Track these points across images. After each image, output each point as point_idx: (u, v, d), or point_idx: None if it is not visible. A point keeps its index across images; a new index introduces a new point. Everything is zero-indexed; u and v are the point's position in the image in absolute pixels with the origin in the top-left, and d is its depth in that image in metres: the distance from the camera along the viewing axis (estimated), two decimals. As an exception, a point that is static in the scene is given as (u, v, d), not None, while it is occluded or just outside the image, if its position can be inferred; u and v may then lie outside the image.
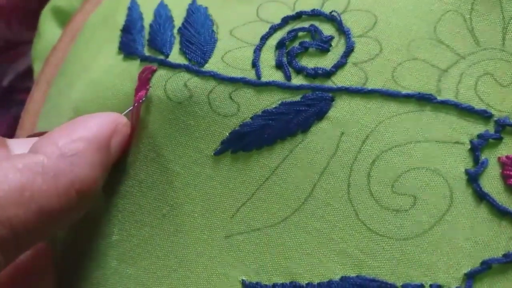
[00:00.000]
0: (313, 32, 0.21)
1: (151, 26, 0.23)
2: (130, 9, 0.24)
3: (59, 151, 0.18)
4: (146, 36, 0.23)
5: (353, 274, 0.18)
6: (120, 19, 0.24)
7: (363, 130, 0.19)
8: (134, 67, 0.22)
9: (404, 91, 0.19)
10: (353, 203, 0.19)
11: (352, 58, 0.20)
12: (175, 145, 0.21)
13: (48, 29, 0.28)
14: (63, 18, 0.28)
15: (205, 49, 0.21)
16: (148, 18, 0.24)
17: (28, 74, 0.35)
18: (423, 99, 0.19)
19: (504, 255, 0.17)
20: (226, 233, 0.19)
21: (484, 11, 0.20)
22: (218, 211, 0.20)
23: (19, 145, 0.20)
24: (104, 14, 0.26)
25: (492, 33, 0.20)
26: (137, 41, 0.23)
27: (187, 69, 0.21)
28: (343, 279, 0.18)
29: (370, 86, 0.20)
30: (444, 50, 0.20)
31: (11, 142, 0.20)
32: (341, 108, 0.20)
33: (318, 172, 0.19)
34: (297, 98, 0.20)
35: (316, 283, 0.18)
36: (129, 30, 0.24)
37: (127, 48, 0.23)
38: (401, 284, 0.18)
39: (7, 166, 0.17)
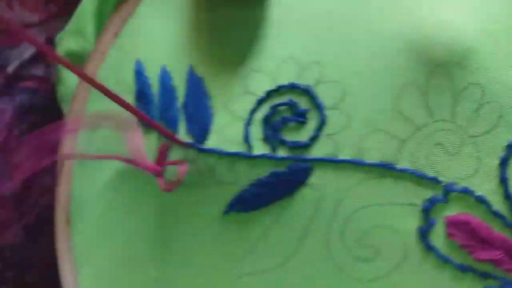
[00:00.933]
0: (292, 106, 0.25)
1: (159, 96, 0.27)
2: (138, 73, 0.28)
3: None
4: (158, 108, 0.27)
5: None
6: (129, 80, 0.28)
7: (337, 195, 0.24)
8: (152, 142, 0.27)
9: (368, 161, 0.24)
10: (332, 255, 0.24)
11: (325, 130, 0.24)
12: (189, 207, 0.26)
13: (67, 74, 0.32)
14: (78, 62, 0.31)
15: (206, 127, 0.26)
16: (155, 86, 0.27)
17: (33, 61, 0.36)
18: (385, 168, 0.24)
19: None
20: (238, 273, 0.26)
21: (437, 85, 0.23)
22: (230, 257, 0.26)
23: None
24: (112, 70, 0.29)
25: (443, 105, 0.23)
26: (152, 114, 0.27)
27: (193, 146, 0.25)
28: None
29: (341, 156, 0.24)
30: (403, 122, 0.23)
31: None
32: (318, 176, 0.24)
33: (303, 229, 0.24)
34: (283, 168, 0.25)
35: None
36: (142, 100, 0.27)
37: (144, 122, 0.27)
38: None
39: None
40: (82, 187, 0.30)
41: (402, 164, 0.23)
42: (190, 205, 0.26)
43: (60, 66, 0.32)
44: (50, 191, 0.31)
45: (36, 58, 0.36)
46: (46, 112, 0.35)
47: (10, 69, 0.36)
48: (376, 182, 0.24)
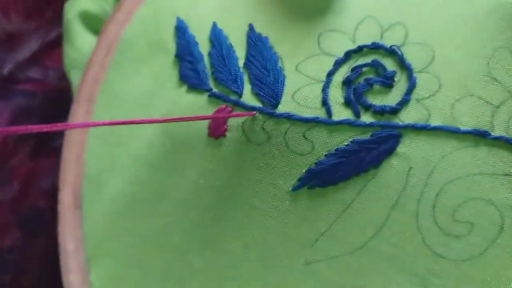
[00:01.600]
0: (377, 67, 0.22)
1: (210, 55, 0.23)
2: (179, 29, 0.24)
3: None
4: (208, 66, 0.23)
5: None
6: (167, 39, 0.24)
7: (429, 165, 0.22)
8: (202, 102, 0.23)
9: (462, 128, 0.22)
10: (421, 231, 0.22)
11: (414, 95, 0.22)
12: (254, 182, 0.22)
13: (79, 36, 0.27)
14: (94, 23, 0.27)
15: (276, 89, 0.22)
16: (203, 44, 0.24)
17: (29, 64, 0.34)
18: (479, 135, 0.22)
19: None
20: (306, 260, 0.22)
21: None
22: (297, 241, 0.22)
23: None
24: (143, 30, 0.25)
25: None
26: (201, 73, 0.23)
27: (261, 111, 0.22)
28: None
29: (432, 123, 0.22)
30: (496, 87, 0.22)
31: None
32: (408, 144, 0.22)
33: (390, 205, 0.22)
34: (367, 135, 0.22)
35: None
36: (186, 57, 0.23)
37: (191, 80, 0.23)
38: None
39: None
40: (100, 163, 0.24)
41: (497, 132, 0.22)
42: (254, 181, 0.22)
43: (69, 25, 0.27)
44: (48, 193, 0.31)
45: (32, 61, 0.34)
46: (43, 114, 0.34)
47: (6, 71, 0.34)
48: (470, 151, 0.22)
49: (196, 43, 0.24)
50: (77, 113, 0.26)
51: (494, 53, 0.22)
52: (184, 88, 0.24)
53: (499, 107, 0.22)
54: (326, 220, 0.22)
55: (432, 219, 0.22)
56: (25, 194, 0.31)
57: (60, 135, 0.33)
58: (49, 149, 0.33)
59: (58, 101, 0.33)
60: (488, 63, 0.22)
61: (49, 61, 0.34)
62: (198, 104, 0.23)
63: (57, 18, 0.32)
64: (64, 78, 0.33)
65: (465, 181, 0.22)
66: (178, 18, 0.24)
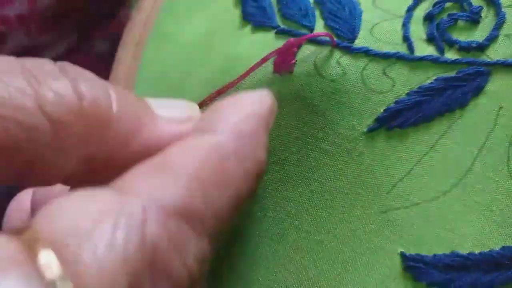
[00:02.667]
0: (461, 2, 0.21)
1: None
2: None
3: (235, 129, 0.16)
4: (275, 3, 0.22)
5: None
6: None
7: None
8: (268, 39, 0.21)
9: None
10: None
11: (504, 30, 0.20)
12: (325, 122, 0.20)
13: None
14: None
15: (353, 23, 0.21)
16: None
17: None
18: None
19: None
20: (381, 208, 0.20)
21: None
22: (371, 187, 0.20)
23: (158, 104, 0.18)
24: None
25: None
26: (267, 9, 0.22)
27: (337, 45, 0.20)
28: (505, 248, 0.19)
29: None
30: None
31: (150, 102, 0.18)
32: (498, 82, 0.20)
33: (478, 146, 0.20)
34: (453, 73, 0.20)
35: (477, 253, 0.20)
36: None
37: (256, 18, 0.22)
38: None
39: (199, 152, 0.16)
40: None
41: None
42: (325, 119, 0.20)
43: None
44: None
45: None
46: None
47: None
48: None
49: None
50: (123, 59, 0.25)
51: None
52: (248, 27, 0.22)
53: None
54: (406, 164, 0.20)
55: None
56: None
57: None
58: None
59: None
60: None
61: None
62: (264, 43, 0.22)
63: (72, 30, 0.33)
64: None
65: None
66: None
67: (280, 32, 0.22)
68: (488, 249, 0.20)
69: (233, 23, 0.23)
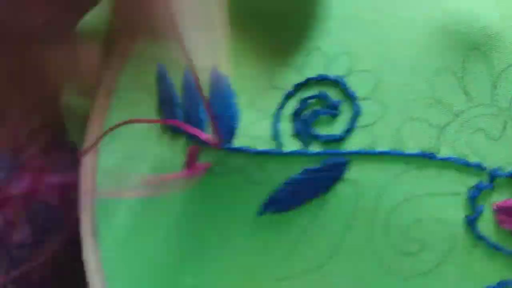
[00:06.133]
0: (323, 98, 0.24)
1: (184, 99, 0.26)
2: (160, 75, 0.26)
3: None
4: (184, 111, 0.26)
5: None
6: (152, 84, 0.27)
7: (377, 189, 0.23)
8: (181, 146, 0.25)
9: (408, 151, 0.23)
10: (377, 251, 0.23)
11: (359, 122, 0.23)
12: (221, 211, 0.24)
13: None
14: None
15: (232, 124, 0.24)
16: (179, 89, 0.26)
17: None
18: (426, 157, 0.23)
19: (498, 283, 0.22)
20: (277, 276, 0.24)
21: (473, 68, 0.23)
22: (267, 259, 0.24)
23: None
24: (134, 76, 0.28)
25: (482, 89, 0.22)
26: (179, 118, 0.25)
27: (221, 146, 0.24)
28: None
29: (378, 148, 0.23)
30: (441, 109, 0.23)
31: None
32: (356, 170, 0.23)
33: (343, 227, 0.23)
34: (317, 164, 0.23)
35: None
36: (168, 103, 0.26)
37: (173, 126, 0.26)
38: None
39: None
40: (108, 192, 0.28)
41: (444, 153, 0.22)
42: (222, 209, 0.24)
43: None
44: (58, 190, 0.31)
45: None
46: (56, 108, 0.33)
47: None
48: (417, 172, 0.23)
49: (174, 90, 0.26)
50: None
51: (437, 75, 0.23)
52: (168, 133, 0.26)
53: (444, 128, 0.23)
54: (288, 242, 0.24)
55: (386, 239, 0.23)
56: (36, 189, 0.31)
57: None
58: (63, 143, 0.33)
59: None
60: (432, 85, 0.23)
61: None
62: (178, 147, 0.25)
63: (67, 10, 0.32)
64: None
65: (415, 202, 0.23)
66: (159, 64, 0.27)
67: (188, 139, 0.25)
68: None
69: (158, 129, 0.26)
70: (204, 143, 0.25)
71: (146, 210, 0.27)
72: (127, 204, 0.27)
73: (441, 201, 0.22)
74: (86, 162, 0.29)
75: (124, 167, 0.27)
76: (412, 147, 0.23)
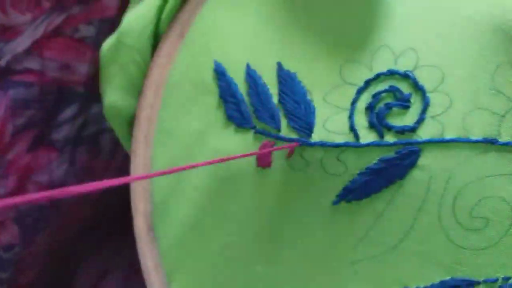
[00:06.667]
0: (394, 92, 0.25)
1: (249, 95, 0.26)
2: (218, 72, 0.27)
3: None
4: (249, 106, 0.26)
5: (448, 278, 0.26)
6: (209, 80, 0.27)
7: (446, 173, 0.25)
8: (249, 140, 0.26)
9: (473, 138, 0.25)
10: (444, 229, 0.25)
11: (429, 113, 0.25)
12: (300, 202, 0.26)
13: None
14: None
15: (309, 120, 0.25)
16: (241, 84, 0.26)
17: (26, 54, 0.34)
18: (489, 142, 0.25)
19: None
20: (351, 260, 0.26)
21: None
22: (341, 246, 0.26)
23: None
24: (185, 72, 0.28)
25: None
26: (244, 113, 0.26)
27: (299, 142, 0.25)
28: (442, 282, 0.26)
29: (447, 136, 0.25)
30: (501, 99, 0.25)
31: None
32: (427, 157, 0.25)
33: (416, 210, 0.25)
34: (392, 153, 0.25)
35: (422, 286, 0.26)
36: (229, 99, 0.26)
37: (237, 120, 0.26)
38: (482, 279, 0.26)
39: None
40: (165, 193, 0.28)
41: (503, 138, 0.25)
42: (299, 199, 0.26)
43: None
44: (46, 189, 0.30)
45: (30, 51, 0.33)
46: (41, 105, 0.33)
47: (3, 62, 0.33)
48: (481, 157, 0.25)
49: (236, 85, 0.27)
50: (138, 152, 0.29)
51: (498, 68, 0.25)
52: (232, 127, 0.26)
53: (504, 116, 0.25)
54: (363, 227, 0.26)
55: (453, 218, 0.25)
56: (22, 189, 0.31)
57: (59, 127, 0.34)
58: (49, 142, 0.33)
59: (55, 91, 0.33)
60: (493, 77, 0.25)
61: (47, 51, 0.34)
62: (245, 141, 0.26)
63: (56, 8, 0.32)
64: (62, 69, 0.33)
65: (479, 183, 0.25)
66: (215, 62, 0.27)
67: (257, 133, 0.26)
68: (430, 283, 0.26)
69: (220, 122, 0.27)
70: (280, 138, 0.26)
71: (212, 203, 0.27)
72: (188, 197, 0.28)
73: (503, 181, 0.25)
74: (138, 161, 0.28)
75: (181, 164, 0.28)
76: (476, 134, 0.25)
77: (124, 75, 0.29)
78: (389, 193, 0.25)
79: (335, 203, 0.25)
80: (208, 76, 0.27)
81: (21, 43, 0.33)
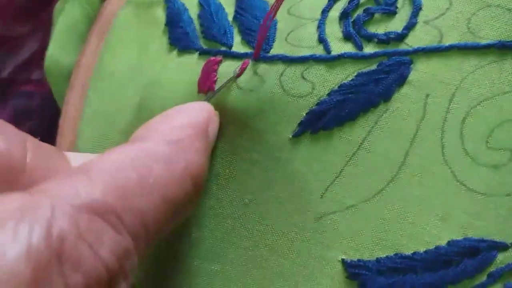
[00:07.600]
0: (375, -5, 0.20)
1: (200, 16, 0.23)
2: (169, 1, 0.24)
3: (164, 137, 0.17)
4: (198, 27, 0.23)
5: (459, 237, 0.18)
6: (159, 14, 0.24)
7: (448, 89, 0.19)
8: (192, 61, 0.22)
9: (483, 42, 0.19)
10: (450, 164, 0.18)
11: (422, 17, 0.20)
12: (251, 133, 0.20)
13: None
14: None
15: (267, 34, 0.21)
16: (193, 8, 0.23)
17: (27, 66, 0.35)
18: (505, 47, 0.19)
19: None
20: (316, 215, 0.19)
21: None
22: (304, 193, 0.19)
23: (76, 158, 0.19)
24: (134, 11, 0.25)
25: None
26: (190, 33, 0.23)
27: (255, 57, 0.20)
28: (450, 243, 0.18)
29: (446, 42, 0.19)
30: None
31: (69, 155, 0.19)
32: (421, 70, 0.19)
33: (409, 138, 0.19)
34: (373, 66, 0.19)
35: (423, 251, 0.18)
36: (176, 23, 0.23)
37: (181, 42, 0.23)
38: (511, 241, 0.17)
39: (122, 157, 0.16)
40: (93, 144, 0.25)
41: None
42: (249, 131, 0.20)
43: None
44: None
45: (31, 62, 0.35)
46: (42, 114, 0.34)
47: (5, 73, 0.35)
48: (496, 66, 0.19)
49: (186, 9, 0.23)
50: (71, 100, 0.26)
51: None
52: (174, 52, 0.23)
53: None
54: (335, 166, 0.19)
55: (461, 149, 0.18)
56: None
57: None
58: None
59: (55, 101, 0.32)
60: None
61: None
62: (188, 63, 0.22)
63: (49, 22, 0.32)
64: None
65: (496, 101, 0.18)
66: None
67: (202, 53, 0.22)
68: (433, 246, 0.18)
69: (162, 49, 0.23)
70: (230, 54, 0.21)
71: None
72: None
73: None
74: (69, 109, 0.25)
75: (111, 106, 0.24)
76: (486, 37, 0.19)
77: (70, 22, 0.27)
78: (370, 119, 0.19)
79: (297, 134, 0.20)
80: (158, 8, 0.24)
81: (23, 54, 0.35)
